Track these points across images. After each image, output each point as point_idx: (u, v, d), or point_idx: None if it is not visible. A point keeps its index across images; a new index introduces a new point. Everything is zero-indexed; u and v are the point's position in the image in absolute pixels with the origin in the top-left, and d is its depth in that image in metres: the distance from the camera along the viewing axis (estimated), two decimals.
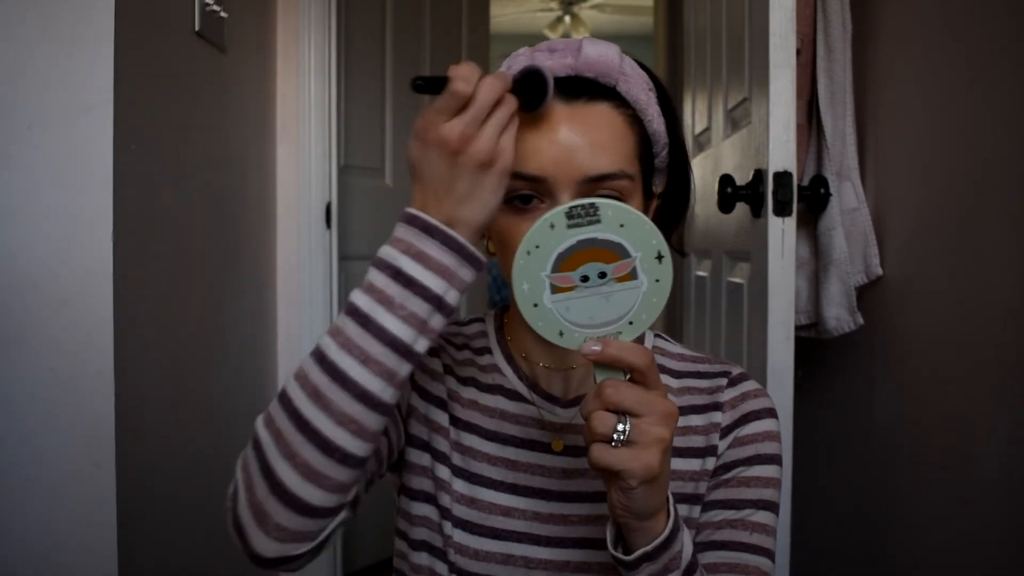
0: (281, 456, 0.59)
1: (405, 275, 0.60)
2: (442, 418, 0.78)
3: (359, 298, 0.61)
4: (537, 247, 0.59)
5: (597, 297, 0.60)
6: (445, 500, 0.76)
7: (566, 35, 5.93)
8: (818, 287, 1.50)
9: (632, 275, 0.59)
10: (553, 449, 0.77)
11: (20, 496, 1.14)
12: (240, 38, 1.73)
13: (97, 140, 1.15)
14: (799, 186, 1.32)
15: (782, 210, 1.26)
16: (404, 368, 0.61)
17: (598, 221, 0.58)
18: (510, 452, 0.77)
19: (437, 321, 0.62)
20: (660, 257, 0.59)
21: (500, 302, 2.73)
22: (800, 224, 1.43)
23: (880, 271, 1.43)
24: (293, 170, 2.05)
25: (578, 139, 0.69)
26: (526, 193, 0.70)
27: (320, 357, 0.60)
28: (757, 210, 1.31)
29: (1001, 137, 1.11)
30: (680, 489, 0.75)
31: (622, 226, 0.58)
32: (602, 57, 0.71)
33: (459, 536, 0.75)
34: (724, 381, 0.79)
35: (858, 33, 1.49)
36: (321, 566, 2.08)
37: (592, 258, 0.59)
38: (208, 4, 1.50)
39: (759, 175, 1.30)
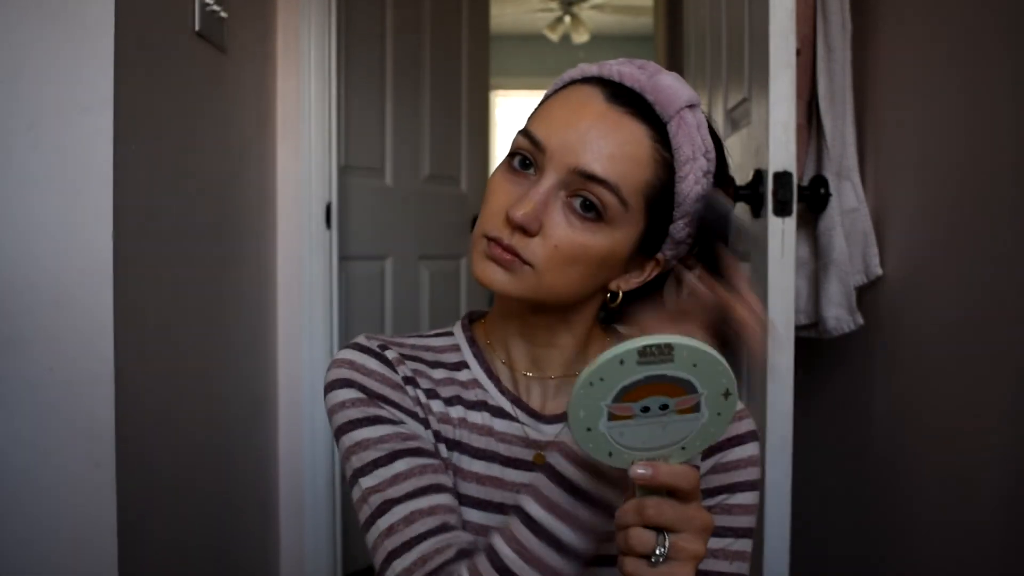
0: None
1: (563, 543, 0.63)
2: (440, 448, 0.77)
3: (518, 567, 0.63)
4: (602, 380, 0.56)
5: (654, 425, 0.58)
6: None
7: (566, 36, 5.92)
8: (818, 287, 1.50)
9: (694, 408, 0.57)
10: (534, 462, 0.76)
11: (20, 496, 1.14)
12: (240, 38, 1.73)
13: (97, 140, 1.15)
14: (799, 186, 1.32)
15: (782, 210, 1.26)
16: None
17: (671, 361, 0.55)
18: (496, 470, 0.76)
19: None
20: (727, 394, 0.57)
21: None
22: (800, 224, 1.43)
23: (880, 271, 1.43)
24: (293, 170, 2.05)
25: (593, 134, 0.68)
26: (527, 157, 0.70)
27: None
28: (757, 210, 1.31)
29: (1001, 136, 1.11)
30: None
31: (695, 366, 0.56)
32: (670, 88, 0.69)
33: None
34: None
35: (858, 33, 1.49)
36: (321, 566, 2.08)
37: (657, 392, 0.57)
38: (208, 4, 1.50)
39: (759, 175, 1.30)
